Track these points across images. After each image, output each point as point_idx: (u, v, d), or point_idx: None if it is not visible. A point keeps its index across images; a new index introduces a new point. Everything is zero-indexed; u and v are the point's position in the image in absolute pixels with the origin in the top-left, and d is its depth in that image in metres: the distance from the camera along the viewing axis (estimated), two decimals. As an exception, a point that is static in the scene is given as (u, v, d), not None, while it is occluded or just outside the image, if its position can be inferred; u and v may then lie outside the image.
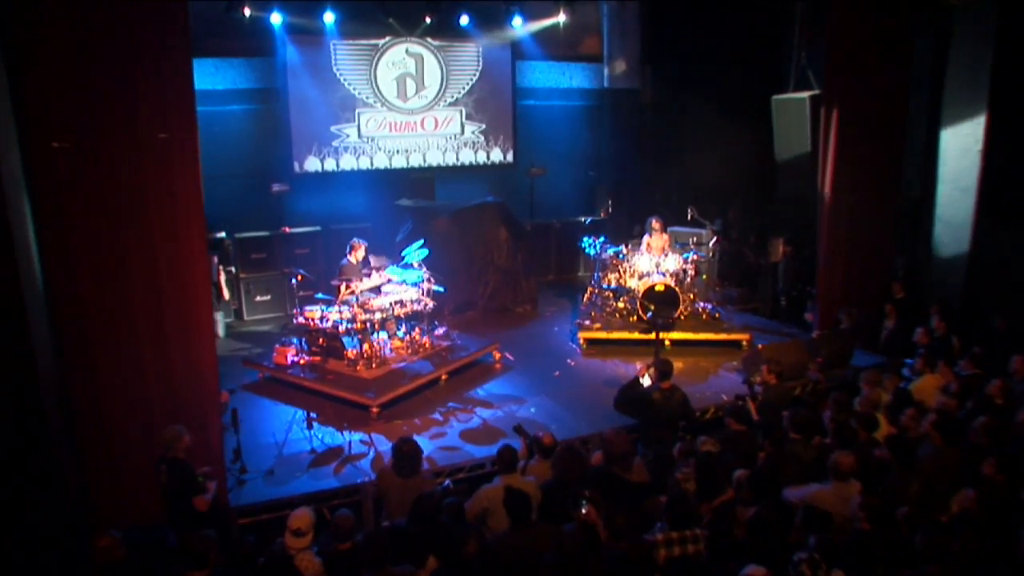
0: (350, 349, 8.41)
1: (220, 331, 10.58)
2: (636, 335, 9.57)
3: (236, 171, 11.61)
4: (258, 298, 11.51)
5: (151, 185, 5.56)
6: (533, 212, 13.71)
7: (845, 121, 9.29)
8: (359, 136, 12.87)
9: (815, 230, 9.95)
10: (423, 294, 8.84)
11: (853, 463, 4.91)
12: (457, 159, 13.73)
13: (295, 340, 8.75)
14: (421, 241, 9.15)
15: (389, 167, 13.18)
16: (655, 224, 10.55)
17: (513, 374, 9.07)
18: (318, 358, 8.51)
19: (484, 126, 13.78)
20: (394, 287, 8.88)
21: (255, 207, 11.74)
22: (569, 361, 9.51)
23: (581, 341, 9.88)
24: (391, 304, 8.51)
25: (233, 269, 10.92)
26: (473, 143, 13.80)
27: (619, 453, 5.28)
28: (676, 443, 6.06)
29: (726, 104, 12.65)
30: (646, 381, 6.75)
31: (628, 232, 12.69)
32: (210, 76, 11.72)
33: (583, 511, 4.33)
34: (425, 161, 13.48)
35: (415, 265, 8.90)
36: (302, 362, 8.48)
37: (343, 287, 8.46)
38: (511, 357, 9.50)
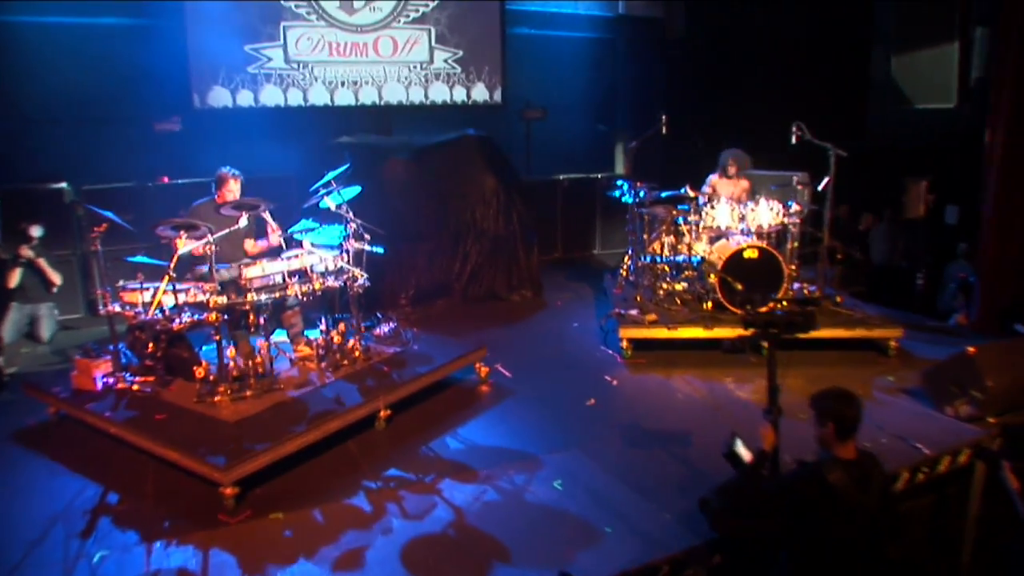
0: (205, 362, 4.47)
1: (44, 333, 6.74)
2: (723, 331, 5.71)
3: (110, 108, 8.47)
4: (122, 281, 7.59)
5: None
6: (530, 168, 10.62)
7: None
8: (286, 60, 9.45)
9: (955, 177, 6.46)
10: (348, 261, 4.92)
11: None
12: (426, 97, 10.19)
13: (112, 347, 4.75)
14: (343, 168, 5.23)
15: (330, 104, 9.74)
16: (731, 164, 6.81)
17: (512, 404, 5.10)
18: (152, 378, 4.55)
19: (461, 53, 10.26)
20: (299, 250, 4.90)
21: (137, 155, 8.49)
22: (608, 378, 5.57)
23: (623, 343, 5.99)
24: (284, 278, 4.53)
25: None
26: (447, 75, 10.24)
27: None
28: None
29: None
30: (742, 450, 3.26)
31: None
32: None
33: None
34: (381, 98, 9.98)
35: (336, 211, 4.99)
36: (120, 387, 4.53)
37: (179, 241, 4.53)
38: (507, 372, 5.60)
